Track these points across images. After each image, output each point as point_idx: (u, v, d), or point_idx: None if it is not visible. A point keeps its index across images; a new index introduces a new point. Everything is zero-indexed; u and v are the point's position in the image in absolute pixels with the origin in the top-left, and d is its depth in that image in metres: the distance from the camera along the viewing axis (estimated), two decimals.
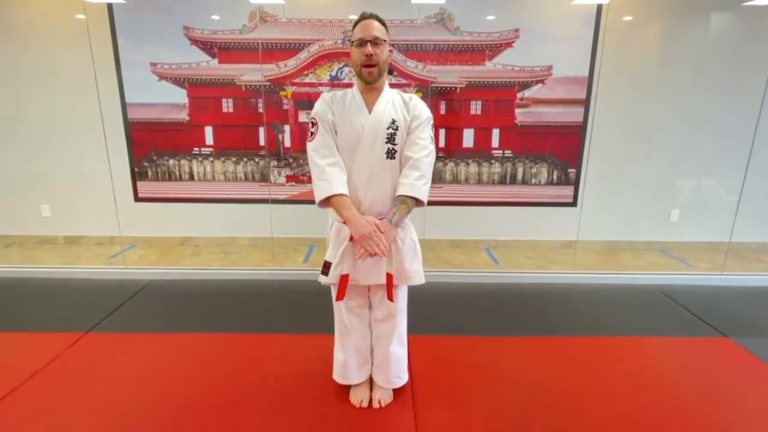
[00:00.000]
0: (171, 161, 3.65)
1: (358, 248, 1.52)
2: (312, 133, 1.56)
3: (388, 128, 1.54)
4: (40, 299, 2.77)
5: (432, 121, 1.63)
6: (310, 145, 1.57)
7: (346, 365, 1.80)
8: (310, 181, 3.64)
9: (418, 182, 1.52)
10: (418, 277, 1.68)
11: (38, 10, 3.30)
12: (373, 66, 1.51)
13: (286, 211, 3.74)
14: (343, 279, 1.61)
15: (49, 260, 3.46)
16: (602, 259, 3.65)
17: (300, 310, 2.66)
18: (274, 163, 3.66)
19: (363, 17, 1.55)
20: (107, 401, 1.81)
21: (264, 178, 3.68)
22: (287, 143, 3.63)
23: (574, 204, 3.71)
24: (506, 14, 3.36)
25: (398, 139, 1.55)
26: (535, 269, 3.38)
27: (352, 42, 1.54)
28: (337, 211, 1.56)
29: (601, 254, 3.74)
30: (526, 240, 3.84)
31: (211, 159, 3.66)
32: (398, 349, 1.79)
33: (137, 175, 3.66)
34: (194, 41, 3.40)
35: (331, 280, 1.62)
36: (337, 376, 1.85)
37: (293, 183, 3.70)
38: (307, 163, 3.62)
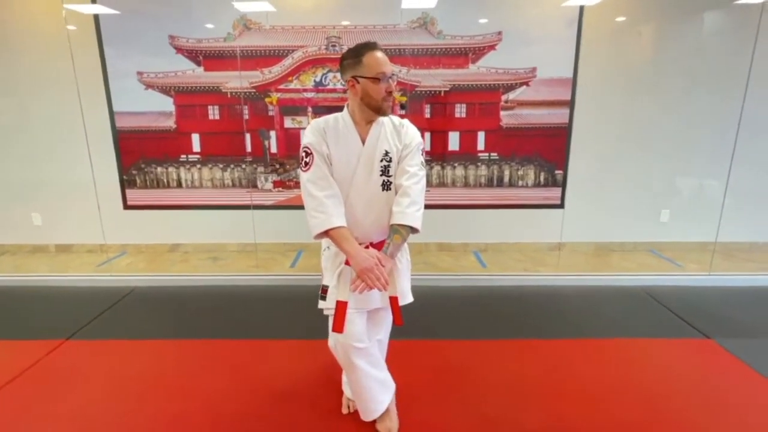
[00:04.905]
0: (159, 169, 3.68)
1: (357, 281, 1.45)
2: (306, 163, 1.49)
3: (381, 160, 1.51)
4: (23, 307, 2.80)
5: (422, 146, 1.58)
6: (305, 176, 1.49)
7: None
8: (296, 186, 3.70)
9: (409, 210, 1.49)
10: (409, 296, 1.66)
11: (28, 20, 3.34)
12: (391, 99, 1.47)
13: (274, 216, 3.75)
14: (340, 307, 1.53)
15: (40, 269, 3.49)
16: (591, 260, 3.63)
17: (284, 315, 2.66)
18: (260, 169, 3.68)
19: (373, 48, 1.45)
20: (81, 408, 1.82)
21: (251, 184, 3.70)
22: (273, 149, 3.65)
23: (562, 206, 3.69)
24: (489, 17, 3.37)
25: (392, 171, 1.53)
26: (522, 272, 3.36)
27: (362, 76, 1.43)
28: (337, 244, 1.50)
29: (590, 255, 3.72)
30: (514, 242, 3.82)
31: (198, 166, 3.69)
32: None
33: (126, 183, 3.69)
34: (179, 50, 3.43)
35: (329, 305, 1.56)
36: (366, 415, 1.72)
37: (280, 188, 3.72)
38: (294, 169, 3.68)
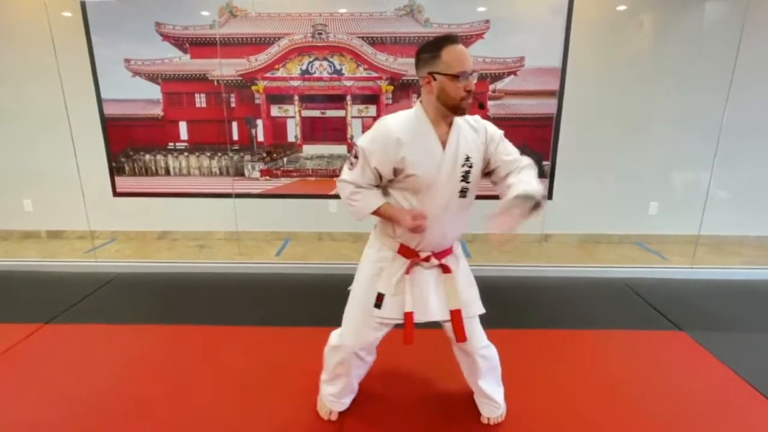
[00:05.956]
0: (147, 156, 3.71)
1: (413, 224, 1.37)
2: (352, 164, 1.42)
3: (463, 165, 1.40)
4: (6, 292, 2.84)
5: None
6: (346, 173, 1.44)
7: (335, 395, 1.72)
8: (284, 175, 3.71)
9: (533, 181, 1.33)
10: (477, 306, 1.57)
11: (13, 7, 3.35)
12: (470, 98, 1.36)
13: (262, 205, 3.77)
14: (408, 318, 1.49)
15: (29, 254, 3.53)
16: (577, 252, 3.61)
17: (262, 303, 2.68)
18: (248, 157, 3.69)
19: (454, 41, 1.33)
20: (54, 390, 1.86)
21: (238, 173, 3.72)
22: (260, 137, 3.65)
23: (549, 197, 3.68)
24: (476, 5, 3.33)
25: (472, 177, 1.43)
26: (506, 263, 3.36)
27: (439, 73, 1.32)
28: (387, 217, 1.45)
29: (577, 247, 3.70)
30: (501, 233, 3.80)
31: (186, 154, 3.70)
32: (487, 387, 1.68)
33: (115, 170, 3.72)
34: (166, 37, 3.43)
35: (387, 314, 1.50)
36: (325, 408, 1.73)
37: (267, 177, 3.73)
38: (281, 157, 3.69)
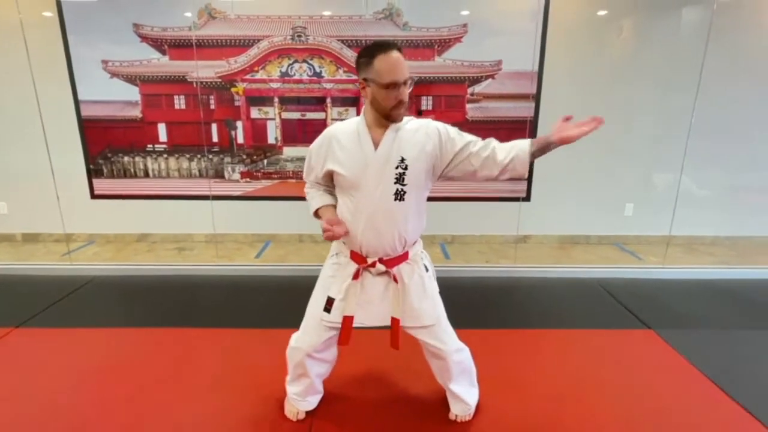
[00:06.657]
0: (126, 158, 3.67)
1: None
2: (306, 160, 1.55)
3: (396, 167, 1.39)
4: None
5: (456, 129, 1.47)
6: (305, 167, 1.57)
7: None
8: (264, 177, 3.71)
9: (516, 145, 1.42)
10: (428, 317, 1.54)
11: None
12: (402, 108, 1.36)
13: (242, 207, 3.76)
14: (347, 321, 1.52)
15: (3, 257, 3.48)
16: (554, 253, 3.67)
17: (243, 305, 2.68)
18: (227, 159, 3.68)
19: (388, 48, 1.31)
20: (22, 395, 1.84)
21: (218, 175, 3.70)
22: (240, 139, 3.64)
23: (528, 199, 3.73)
24: (454, 9, 3.37)
25: (408, 179, 1.40)
26: (483, 264, 3.40)
27: (371, 80, 1.33)
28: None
29: (555, 248, 3.76)
30: (480, 235, 3.85)
31: (165, 156, 3.68)
32: (459, 389, 1.69)
33: (93, 172, 3.68)
34: (144, 38, 3.41)
35: (333, 318, 1.52)
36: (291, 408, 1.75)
37: (247, 179, 3.72)
38: (261, 159, 3.69)
